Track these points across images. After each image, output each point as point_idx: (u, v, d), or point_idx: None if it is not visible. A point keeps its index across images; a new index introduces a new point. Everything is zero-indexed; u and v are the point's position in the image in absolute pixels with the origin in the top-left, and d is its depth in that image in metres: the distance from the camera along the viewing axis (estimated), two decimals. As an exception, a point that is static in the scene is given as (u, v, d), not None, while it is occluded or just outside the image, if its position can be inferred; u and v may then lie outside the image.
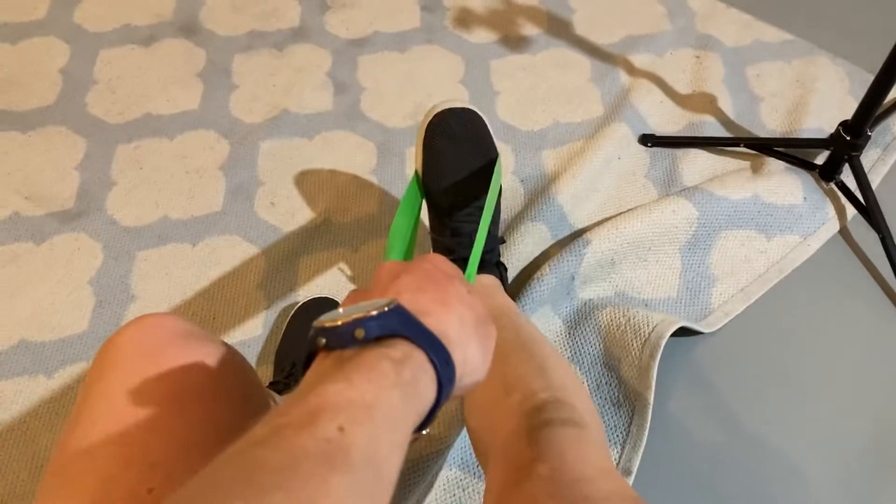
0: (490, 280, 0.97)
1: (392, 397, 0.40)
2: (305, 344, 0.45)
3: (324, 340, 0.43)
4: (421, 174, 0.97)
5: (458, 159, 0.95)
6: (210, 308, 1.10)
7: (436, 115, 0.95)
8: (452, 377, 0.46)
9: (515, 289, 1.10)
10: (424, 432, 0.47)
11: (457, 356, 0.46)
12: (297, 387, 0.42)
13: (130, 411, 0.52)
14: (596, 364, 1.04)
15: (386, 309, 0.44)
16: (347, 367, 0.41)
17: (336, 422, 0.37)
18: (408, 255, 0.96)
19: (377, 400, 0.39)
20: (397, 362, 0.42)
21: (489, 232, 0.98)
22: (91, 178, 1.24)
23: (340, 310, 0.45)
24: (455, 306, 0.49)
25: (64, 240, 1.17)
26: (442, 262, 0.53)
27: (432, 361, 0.44)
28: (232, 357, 0.60)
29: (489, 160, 0.96)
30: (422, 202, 0.99)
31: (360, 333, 0.43)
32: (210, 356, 0.57)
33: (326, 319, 0.44)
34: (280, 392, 0.91)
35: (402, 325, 0.44)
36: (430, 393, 0.44)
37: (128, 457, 0.50)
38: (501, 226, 1.16)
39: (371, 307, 0.44)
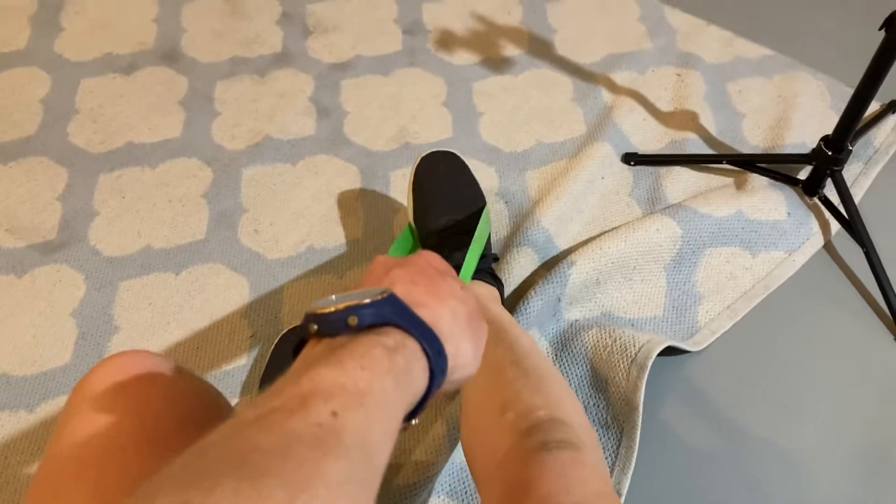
0: (486, 289, 0.97)
1: (385, 384, 0.40)
2: (297, 331, 0.44)
3: (316, 327, 0.43)
4: (412, 216, 1.01)
5: (446, 195, 1.02)
6: (194, 338, 1.09)
7: (421, 160, 1.05)
8: (444, 367, 0.46)
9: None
10: (413, 422, 0.47)
11: (449, 348, 0.46)
12: (287, 371, 0.42)
13: (102, 453, 0.51)
14: (583, 386, 1.04)
15: (380, 297, 0.44)
16: (340, 353, 0.40)
17: (329, 406, 0.36)
18: None
19: (370, 386, 0.39)
20: (390, 350, 0.42)
21: (484, 256, 1.00)
22: (73, 208, 1.23)
23: (333, 296, 0.45)
24: (448, 300, 0.49)
25: (46, 271, 1.16)
26: (435, 259, 0.54)
27: (425, 351, 0.44)
28: (207, 392, 0.59)
29: (478, 206, 1.04)
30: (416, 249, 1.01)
31: (353, 321, 0.42)
32: (184, 393, 0.57)
33: (319, 306, 0.44)
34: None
35: (395, 314, 0.44)
36: (421, 382, 0.44)
37: (101, 498, 0.50)
38: (491, 226, 1.16)
39: (364, 295, 0.44)
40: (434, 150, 1.08)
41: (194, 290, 1.14)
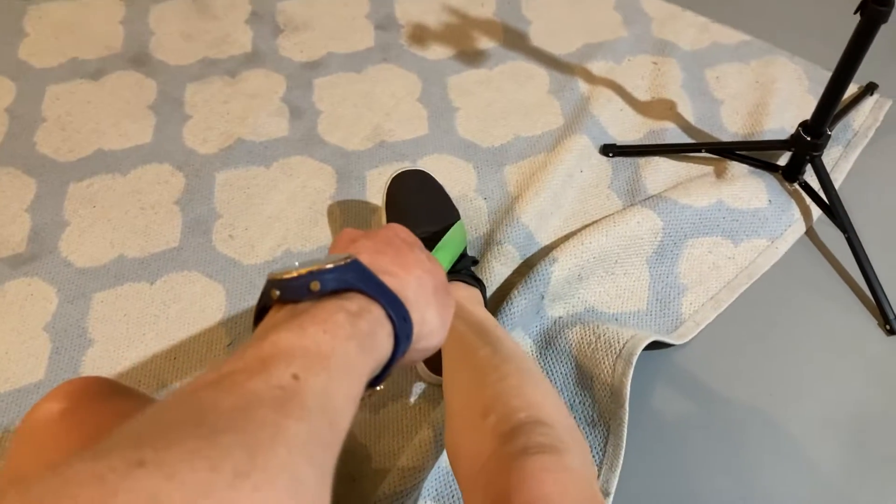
0: (469, 291, 0.96)
1: (348, 348, 0.40)
2: (259, 297, 0.44)
3: (278, 293, 0.42)
4: None
5: (420, 209, 1.04)
6: (171, 348, 1.07)
7: (393, 179, 1.08)
8: (410, 333, 0.46)
9: (490, 311, 1.08)
10: (378, 388, 0.46)
11: (415, 316, 0.46)
12: (252, 336, 0.41)
13: None
14: (569, 383, 1.03)
15: (342, 263, 0.43)
16: (302, 318, 0.40)
17: (290, 369, 0.36)
18: None
19: (333, 350, 0.39)
20: (353, 314, 0.41)
21: (463, 254, 1.00)
22: (42, 219, 1.21)
23: (296, 263, 0.44)
24: (414, 270, 0.49)
25: (16, 285, 1.13)
26: (402, 231, 0.53)
27: (390, 317, 0.44)
28: None
29: (451, 214, 1.07)
30: None
31: (315, 286, 0.42)
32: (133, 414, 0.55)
33: (281, 272, 0.43)
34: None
35: (358, 280, 0.43)
36: (386, 347, 0.44)
37: None
38: (470, 248, 1.14)
39: (327, 261, 0.43)
40: (405, 168, 1.09)
41: (170, 299, 1.12)
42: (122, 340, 1.08)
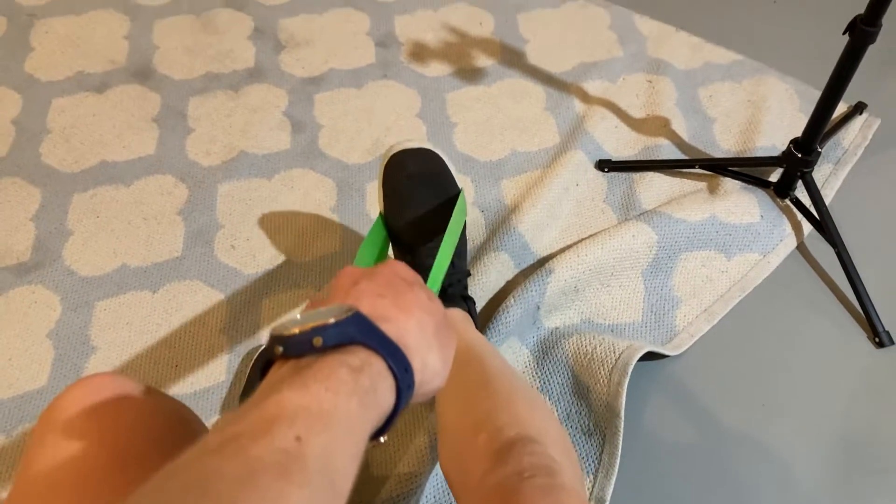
0: (458, 314, 0.97)
1: (350, 405, 0.40)
2: (262, 352, 0.44)
3: (281, 349, 0.43)
4: (384, 209, 0.98)
5: (417, 196, 0.97)
6: (172, 356, 1.08)
7: (392, 156, 0.98)
8: (412, 383, 0.46)
9: (483, 321, 1.10)
10: (382, 440, 0.46)
11: (416, 363, 0.46)
12: (253, 393, 0.42)
13: (73, 477, 0.51)
14: (565, 393, 1.04)
15: (344, 316, 0.43)
16: (305, 375, 0.40)
17: (293, 431, 0.36)
18: None
19: (335, 408, 0.39)
20: (355, 370, 0.42)
21: (454, 265, 0.99)
22: (47, 228, 1.22)
23: (298, 315, 0.45)
24: (414, 312, 0.49)
25: (20, 293, 1.14)
26: (402, 269, 0.53)
27: (391, 368, 0.44)
28: (178, 413, 0.59)
29: (450, 196, 0.98)
30: (387, 242, 1.00)
31: (318, 341, 0.42)
32: (155, 415, 0.56)
33: (283, 327, 0.43)
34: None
35: (360, 333, 0.44)
36: (388, 399, 0.44)
37: None
38: (466, 257, 1.16)
39: (329, 314, 0.44)
40: (405, 147, 1.00)
41: (172, 307, 1.13)
42: (124, 348, 1.09)
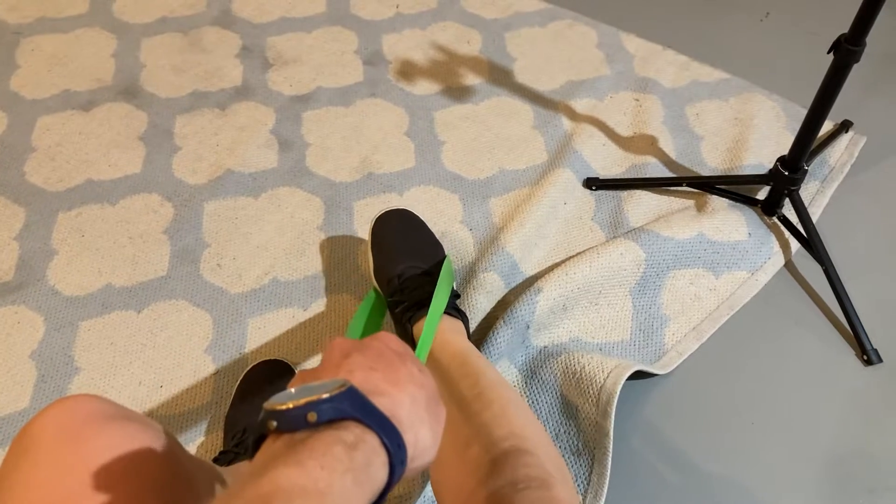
0: (452, 323, 0.97)
1: (345, 483, 0.40)
2: (255, 426, 0.44)
3: (275, 424, 0.43)
4: (374, 273, 1.05)
5: (406, 244, 1.04)
6: (157, 376, 1.07)
7: (377, 220, 1.08)
8: (404, 459, 0.45)
9: (474, 342, 1.09)
10: None
11: (408, 438, 0.46)
12: (248, 469, 0.41)
13: (47, 502, 0.50)
14: (554, 413, 1.03)
15: (337, 391, 0.43)
16: (300, 452, 0.40)
17: None
18: None
19: (330, 487, 0.39)
20: (350, 446, 0.42)
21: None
22: (31, 248, 1.21)
23: (292, 390, 0.45)
24: (406, 386, 0.48)
25: (3, 313, 1.13)
26: (392, 341, 0.53)
27: (385, 444, 0.44)
28: (157, 438, 0.58)
29: (438, 250, 1.07)
30: (379, 315, 1.04)
31: (312, 417, 0.42)
32: (133, 439, 0.55)
33: (277, 402, 0.43)
34: (230, 462, 0.89)
35: (354, 408, 0.44)
36: (381, 476, 0.44)
37: None
38: (455, 277, 1.15)
39: (323, 389, 0.44)
40: (389, 208, 1.10)
41: (157, 327, 1.12)
42: (108, 369, 1.08)
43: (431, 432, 0.49)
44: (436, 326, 0.87)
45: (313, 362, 1.09)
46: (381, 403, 0.46)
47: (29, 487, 0.50)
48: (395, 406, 0.46)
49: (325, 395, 0.43)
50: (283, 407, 0.43)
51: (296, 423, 0.42)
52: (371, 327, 0.98)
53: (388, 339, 0.53)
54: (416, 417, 0.48)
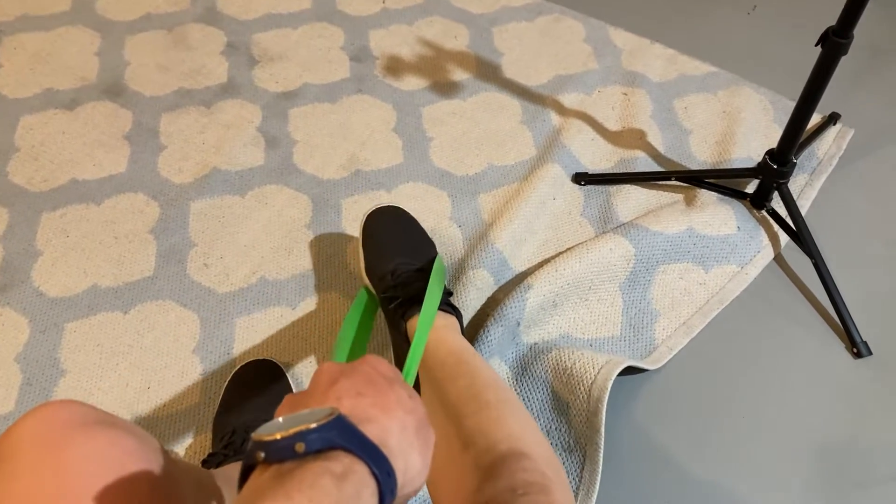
0: (447, 320, 0.96)
1: None
2: (244, 456, 0.43)
3: (263, 455, 0.42)
4: (364, 271, 1.04)
5: (398, 242, 1.03)
6: (144, 378, 1.06)
7: (368, 216, 1.07)
8: (394, 488, 0.45)
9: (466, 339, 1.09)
10: None
11: (398, 464, 0.45)
12: (237, 501, 0.41)
13: None
14: (545, 410, 1.03)
15: (325, 420, 0.43)
16: (288, 484, 0.40)
17: None
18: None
19: None
20: (339, 477, 0.41)
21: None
22: (14, 249, 1.20)
23: (280, 419, 0.44)
24: (396, 411, 0.48)
25: (-13, 316, 1.12)
26: (380, 364, 0.53)
27: (374, 474, 0.43)
28: (140, 444, 0.57)
29: (429, 247, 1.06)
30: (370, 318, 1.01)
31: (300, 447, 0.42)
32: (114, 445, 0.54)
33: (265, 432, 0.43)
34: (219, 464, 0.88)
35: (343, 438, 0.43)
36: None
37: None
38: (446, 274, 1.14)
39: (311, 418, 0.43)
40: (380, 205, 1.09)
41: (143, 328, 1.11)
42: (94, 370, 1.07)
43: (421, 458, 0.49)
44: (429, 329, 0.87)
45: (303, 362, 1.08)
46: (370, 430, 0.45)
47: (8, 497, 0.50)
48: (384, 433, 0.46)
49: (314, 425, 0.42)
50: (271, 438, 0.42)
51: (284, 453, 0.42)
52: (363, 328, 0.97)
53: (377, 363, 0.52)
54: (406, 443, 0.47)
